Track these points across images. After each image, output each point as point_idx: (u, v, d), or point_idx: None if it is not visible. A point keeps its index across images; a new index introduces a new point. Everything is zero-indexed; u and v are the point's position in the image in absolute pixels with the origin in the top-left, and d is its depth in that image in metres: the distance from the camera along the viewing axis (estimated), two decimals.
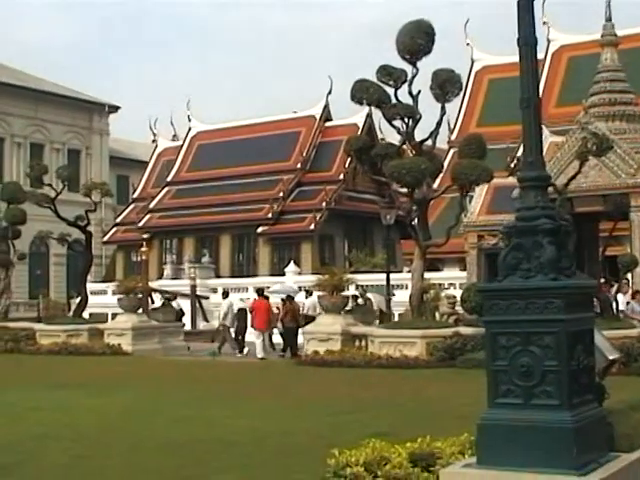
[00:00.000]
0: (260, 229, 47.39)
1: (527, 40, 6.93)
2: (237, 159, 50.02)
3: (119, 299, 30.95)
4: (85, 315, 34.27)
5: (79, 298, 34.11)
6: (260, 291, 29.68)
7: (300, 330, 27.06)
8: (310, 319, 27.81)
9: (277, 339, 29.74)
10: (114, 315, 35.58)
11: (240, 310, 29.62)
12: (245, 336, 29.43)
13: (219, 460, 10.72)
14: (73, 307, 35.59)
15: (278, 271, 45.00)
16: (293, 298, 29.92)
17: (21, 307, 54.71)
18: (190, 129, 55.25)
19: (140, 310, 31.12)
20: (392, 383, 19.50)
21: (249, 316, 28.99)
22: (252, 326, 28.48)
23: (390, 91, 25.30)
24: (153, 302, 35.89)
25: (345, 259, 47.60)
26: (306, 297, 31.40)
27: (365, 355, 23.64)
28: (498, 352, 6.60)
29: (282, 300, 30.17)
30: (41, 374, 23.01)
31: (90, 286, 36.64)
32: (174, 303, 33.48)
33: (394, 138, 29.12)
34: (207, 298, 42.71)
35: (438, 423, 11.52)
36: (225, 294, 31.89)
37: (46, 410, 15.41)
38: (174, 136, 58.77)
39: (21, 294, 55.88)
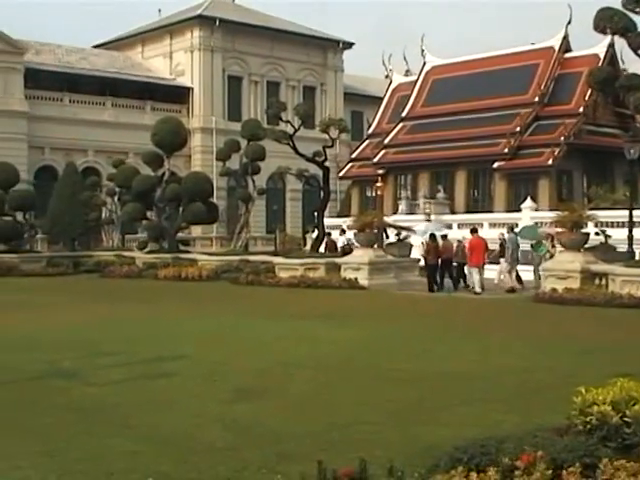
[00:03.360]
0: (496, 164, 46.56)
1: None
2: (473, 93, 49.22)
3: (355, 234, 31.29)
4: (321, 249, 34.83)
5: (316, 232, 34.74)
6: (474, 230, 29.35)
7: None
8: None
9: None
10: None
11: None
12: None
13: (459, 393, 10.73)
14: (309, 241, 36.34)
15: (514, 207, 44.21)
16: (435, 237, 29.75)
17: (259, 241, 56.63)
18: (425, 64, 54.77)
19: (376, 245, 31.36)
20: (635, 324, 18.84)
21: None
22: (469, 263, 28.34)
23: (636, 19, 24.13)
24: (388, 237, 36.09)
25: (584, 195, 46.11)
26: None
27: (605, 294, 22.94)
28: None
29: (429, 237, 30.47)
30: (282, 306, 23.68)
31: (326, 221, 37.18)
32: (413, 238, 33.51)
33: (637, 69, 27.84)
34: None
35: None
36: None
37: (289, 340, 15.88)
38: (407, 71, 58.42)
39: (259, 228, 57.75)
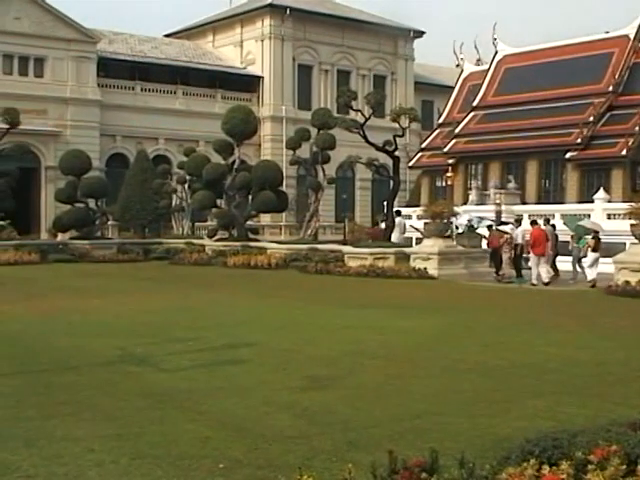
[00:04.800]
0: (568, 154, 45.94)
1: None
2: (545, 82, 48.61)
3: (425, 223, 31.15)
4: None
5: (384, 222, 34.63)
6: (534, 222, 29.17)
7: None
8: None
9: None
10: (418, 240, 35.93)
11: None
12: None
13: (531, 385, 10.63)
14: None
15: (587, 198, 43.62)
16: (492, 227, 31.43)
17: (327, 230, 56.65)
18: (496, 52, 54.21)
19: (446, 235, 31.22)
20: None
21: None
22: (531, 253, 28.24)
23: None
24: (457, 227, 35.85)
25: None
26: (516, 227, 30.63)
27: None
28: None
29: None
30: (351, 295, 23.67)
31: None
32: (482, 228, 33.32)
33: None
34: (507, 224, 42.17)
35: None
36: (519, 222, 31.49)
37: (358, 329, 15.88)
38: (478, 60, 57.93)
39: (328, 217, 57.77)
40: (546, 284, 26.68)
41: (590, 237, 28.42)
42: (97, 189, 41.23)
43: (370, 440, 7.90)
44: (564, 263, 29.67)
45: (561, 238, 30.65)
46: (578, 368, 11.76)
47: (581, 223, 30.63)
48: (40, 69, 52.31)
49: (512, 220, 33.14)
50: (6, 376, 10.99)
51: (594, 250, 27.48)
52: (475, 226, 33.86)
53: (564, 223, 31.95)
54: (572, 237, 30.09)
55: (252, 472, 6.97)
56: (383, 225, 36.40)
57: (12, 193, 39.04)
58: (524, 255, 29.31)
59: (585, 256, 28.68)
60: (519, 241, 29.47)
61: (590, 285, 26.23)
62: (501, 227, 33.16)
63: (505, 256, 29.77)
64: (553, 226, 30.50)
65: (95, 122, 53.37)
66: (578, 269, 28.91)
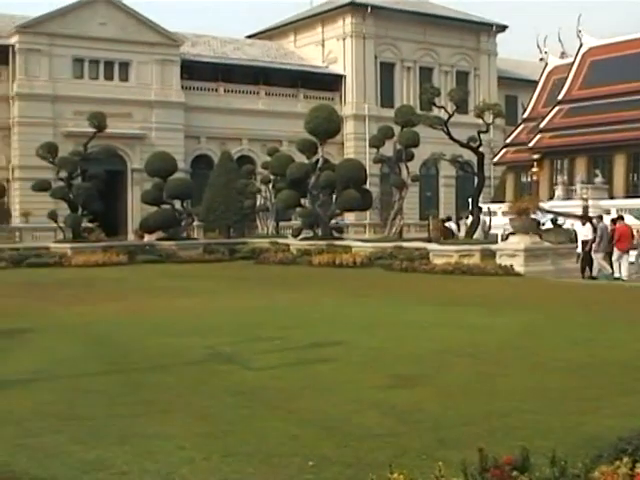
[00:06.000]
0: None
1: None
2: (633, 74, 47.59)
3: (511, 220, 30.85)
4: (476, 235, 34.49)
5: (470, 218, 34.39)
6: (620, 217, 28.78)
7: None
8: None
9: None
10: (504, 236, 35.62)
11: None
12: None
13: (622, 383, 10.44)
14: (462, 228, 36.01)
15: None
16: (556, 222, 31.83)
17: (412, 228, 56.49)
18: (581, 45, 53.44)
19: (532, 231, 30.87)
20: None
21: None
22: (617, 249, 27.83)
23: None
24: (543, 224, 35.42)
25: None
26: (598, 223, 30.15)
27: None
28: None
29: None
30: (437, 293, 23.56)
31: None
32: (567, 225, 32.93)
33: None
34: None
35: None
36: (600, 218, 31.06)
37: (445, 326, 15.80)
38: (562, 53, 57.17)
39: (412, 215, 57.59)
40: (623, 280, 26.46)
41: None
42: (182, 190, 41.71)
43: (459, 438, 7.85)
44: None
45: None
46: None
47: None
48: (125, 73, 53.22)
49: (595, 215, 32.70)
50: (98, 375, 11.20)
51: None
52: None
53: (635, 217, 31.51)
54: (638, 231, 29.72)
55: (341, 470, 6.99)
56: (450, 224, 36.92)
57: (100, 196, 39.73)
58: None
59: None
60: (589, 237, 29.13)
61: None
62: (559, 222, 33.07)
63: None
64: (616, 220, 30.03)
65: (179, 124, 54.08)
66: None
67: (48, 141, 41.98)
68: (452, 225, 38.16)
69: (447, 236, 35.51)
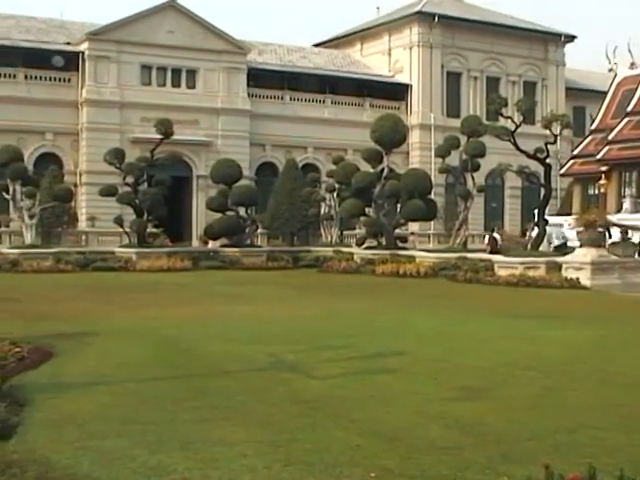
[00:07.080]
0: None
1: None
2: None
3: (578, 232, 30.48)
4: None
5: (535, 230, 34.03)
6: None
7: None
8: None
9: None
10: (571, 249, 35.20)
11: None
12: None
13: None
14: (528, 239, 35.65)
15: None
16: None
17: (476, 239, 56.04)
18: None
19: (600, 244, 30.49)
20: None
21: None
22: None
23: None
24: (611, 237, 34.94)
25: None
26: None
27: None
28: None
29: None
30: (501, 304, 23.32)
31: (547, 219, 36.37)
32: (635, 238, 32.45)
33: None
34: None
35: None
36: None
37: (510, 339, 15.62)
38: (632, 64, 56.43)
39: (476, 226, 57.14)
40: None
41: None
42: (247, 197, 41.88)
43: (524, 453, 7.73)
44: None
45: None
46: None
47: None
48: (192, 80, 53.67)
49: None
50: (162, 380, 11.25)
51: None
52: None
53: None
54: None
55: None
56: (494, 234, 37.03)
57: (165, 201, 40.08)
58: None
59: None
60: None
61: None
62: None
63: None
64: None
65: (245, 131, 54.37)
66: None
67: (115, 147, 42.53)
68: (496, 235, 39.50)
69: (493, 247, 35.43)
